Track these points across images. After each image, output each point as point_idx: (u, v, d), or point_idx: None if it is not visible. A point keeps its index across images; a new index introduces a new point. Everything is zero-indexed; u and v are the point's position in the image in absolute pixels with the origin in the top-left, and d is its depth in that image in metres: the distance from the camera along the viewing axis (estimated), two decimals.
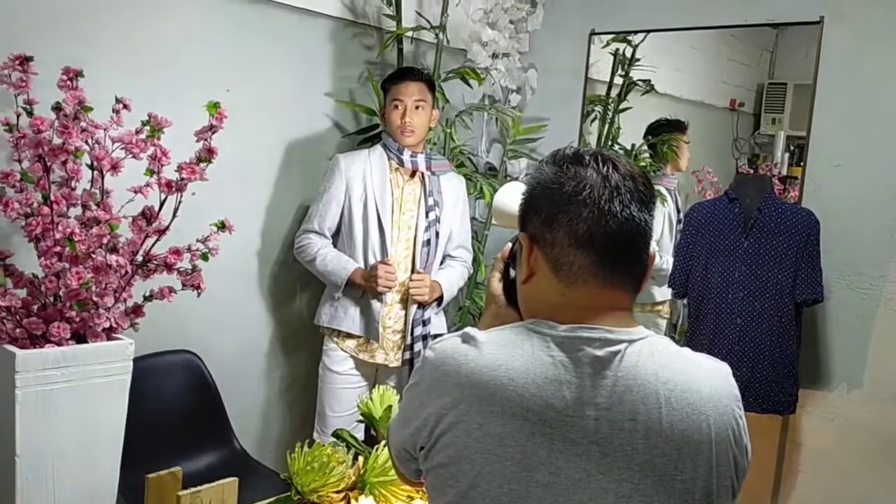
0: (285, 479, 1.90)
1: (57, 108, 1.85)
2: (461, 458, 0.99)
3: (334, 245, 2.64)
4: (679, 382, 0.99)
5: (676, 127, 3.22)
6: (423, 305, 2.63)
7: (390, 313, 2.62)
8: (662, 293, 3.28)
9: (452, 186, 2.73)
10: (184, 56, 2.39)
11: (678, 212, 3.23)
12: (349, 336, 2.64)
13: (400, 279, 2.59)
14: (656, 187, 3.19)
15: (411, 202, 2.65)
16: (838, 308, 2.72)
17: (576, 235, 1.01)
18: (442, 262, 2.71)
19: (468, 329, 1.06)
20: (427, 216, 2.63)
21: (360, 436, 2.14)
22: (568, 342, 0.99)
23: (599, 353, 0.98)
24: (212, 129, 1.91)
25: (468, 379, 0.99)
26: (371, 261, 2.58)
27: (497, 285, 1.19)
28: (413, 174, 2.65)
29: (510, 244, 1.19)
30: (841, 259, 2.68)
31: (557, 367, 0.98)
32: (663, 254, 3.26)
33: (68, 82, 1.84)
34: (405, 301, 2.64)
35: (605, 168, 1.02)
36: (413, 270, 2.64)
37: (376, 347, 2.62)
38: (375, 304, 2.58)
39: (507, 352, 1.00)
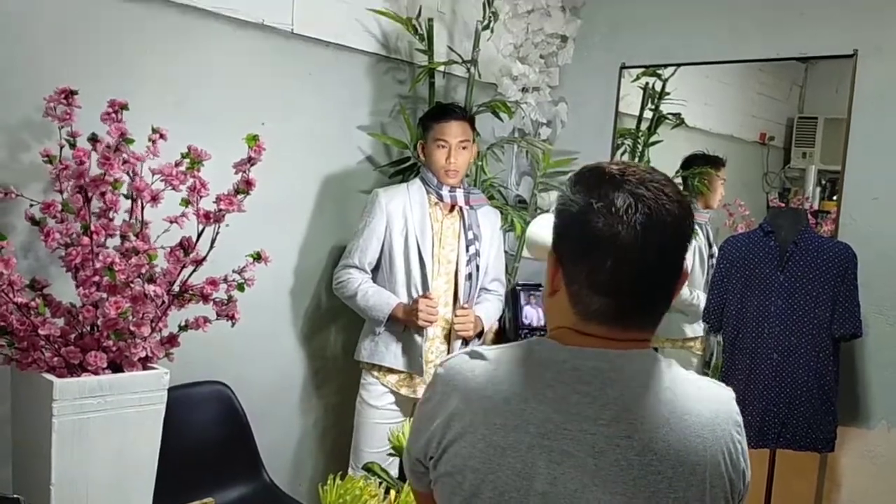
0: None
1: (93, 139, 1.88)
2: (466, 467, 1.03)
3: (373, 280, 2.64)
4: (679, 405, 1.01)
5: (712, 162, 3.21)
6: (466, 340, 2.62)
7: (432, 348, 2.61)
8: (694, 329, 3.25)
9: (489, 220, 2.74)
10: (219, 90, 2.43)
11: (710, 246, 3.21)
12: (390, 371, 2.63)
13: (440, 313, 2.58)
14: None
15: (450, 236, 2.66)
16: (877, 344, 2.67)
17: (596, 283, 0.99)
18: (478, 296, 2.70)
19: (476, 346, 1.12)
20: (468, 250, 2.64)
21: (395, 472, 2.12)
22: (570, 362, 1.02)
23: (601, 374, 1.01)
24: (250, 160, 1.93)
25: (475, 393, 1.05)
26: (414, 295, 2.58)
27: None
28: (452, 208, 2.66)
29: None
30: (879, 294, 2.64)
31: (560, 384, 1.01)
32: (694, 289, 3.22)
33: (112, 115, 1.87)
34: (448, 336, 2.63)
35: (644, 206, 0.96)
36: (454, 304, 2.64)
37: (419, 382, 2.60)
38: (417, 338, 2.57)
39: (511, 368, 1.05)
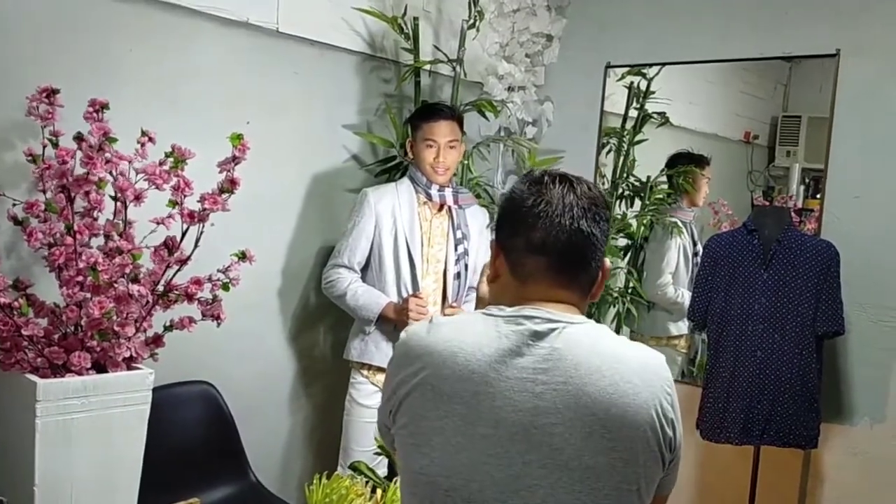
0: None
1: (79, 138, 1.87)
2: (418, 416, 1.14)
3: (362, 279, 2.64)
4: (610, 355, 1.12)
5: (696, 160, 3.23)
6: None
7: None
8: (678, 327, 3.27)
9: (477, 219, 2.75)
10: (205, 88, 2.42)
11: (694, 245, 3.22)
12: (380, 370, 2.62)
13: (430, 312, 2.58)
14: (671, 219, 3.28)
15: (439, 235, 2.66)
16: (859, 341, 2.69)
17: (531, 243, 1.17)
18: (466, 295, 2.71)
19: (434, 316, 1.22)
20: (456, 249, 2.65)
21: (382, 471, 2.12)
22: (512, 319, 1.15)
23: (539, 327, 1.13)
24: (234, 159, 1.92)
25: (426, 349, 1.16)
26: (404, 294, 2.58)
27: (485, 289, 1.32)
28: (440, 208, 2.67)
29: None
30: (862, 291, 2.66)
31: (502, 338, 1.13)
32: (679, 287, 3.24)
33: (94, 114, 1.86)
34: None
35: (563, 188, 1.18)
36: (443, 303, 2.65)
37: None
38: None
39: (461, 329, 1.17)
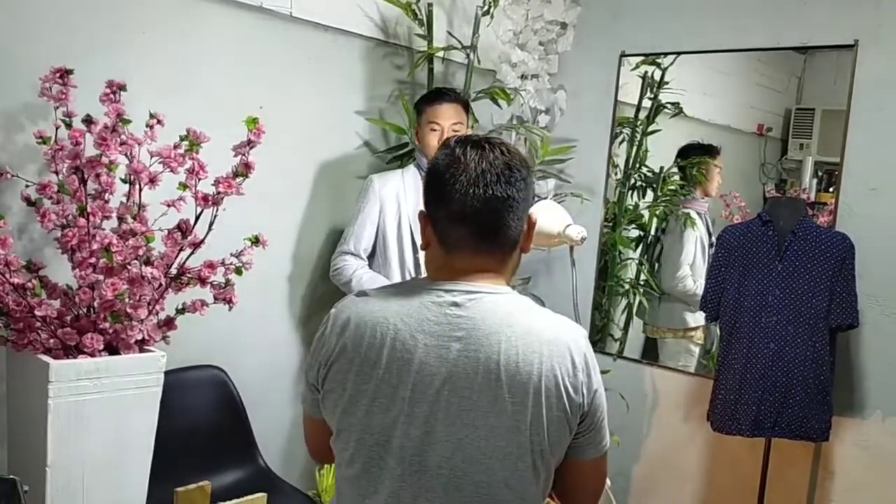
0: (313, 497, 1.89)
1: (87, 120, 1.87)
2: (345, 379, 1.23)
3: (370, 266, 2.63)
4: (523, 327, 1.20)
5: (707, 151, 3.20)
6: None
7: None
8: (695, 318, 3.24)
9: None
10: (217, 72, 2.41)
11: (710, 235, 3.20)
12: None
13: None
14: (686, 210, 3.24)
15: None
16: (873, 334, 2.67)
17: (451, 213, 1.23)
18: None
19: (364, 288, 1.32)
20: None
21: None
22: (435, 292, 1.24)
23: (458, 299, 1.22)
24: (250, 143, 1.91)
25: (354, 320, 1.25)
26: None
27: None
28: None
29: None
30: (876, 284, 2.64)
31: (424, 308, 1.22)
32: (696, 278, 3.22)
33: (111, 95, 1.86)
34: None
35: (475, 155, 1.22)
36: None
37: None
38: None
39: (388, 298, 1.26)
